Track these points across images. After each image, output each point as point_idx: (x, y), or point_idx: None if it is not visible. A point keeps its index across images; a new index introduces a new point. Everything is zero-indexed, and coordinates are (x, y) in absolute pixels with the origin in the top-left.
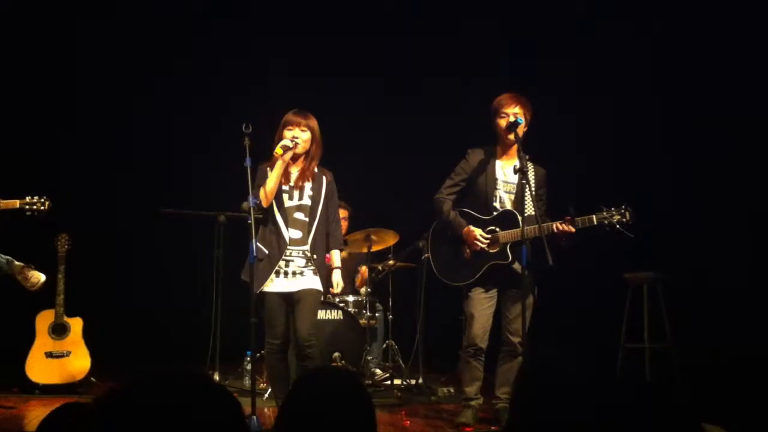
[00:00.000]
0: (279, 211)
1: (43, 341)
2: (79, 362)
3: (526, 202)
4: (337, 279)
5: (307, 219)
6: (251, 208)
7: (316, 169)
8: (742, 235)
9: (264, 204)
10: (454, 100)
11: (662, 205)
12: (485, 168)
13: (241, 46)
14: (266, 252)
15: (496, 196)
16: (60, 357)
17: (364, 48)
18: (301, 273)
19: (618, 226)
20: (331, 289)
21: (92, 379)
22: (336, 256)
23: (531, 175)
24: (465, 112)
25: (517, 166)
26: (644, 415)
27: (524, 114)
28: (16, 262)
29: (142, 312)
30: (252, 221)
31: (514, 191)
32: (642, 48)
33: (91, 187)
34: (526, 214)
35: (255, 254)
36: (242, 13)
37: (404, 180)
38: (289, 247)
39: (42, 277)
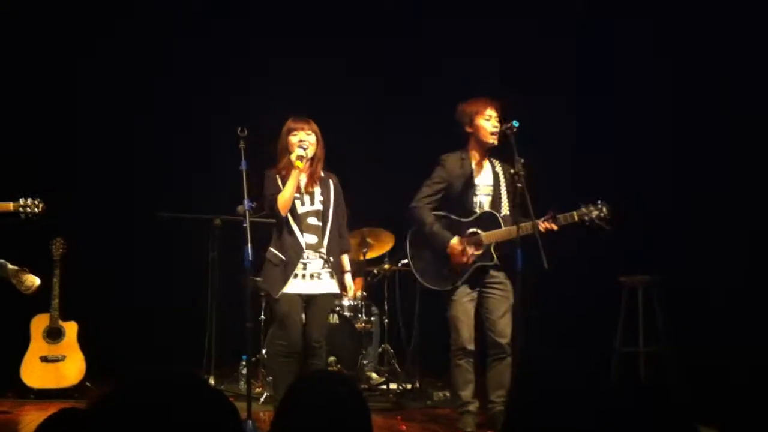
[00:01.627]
0: (293, 217)
1: (38, 345)
2: (74, 366)
3: (506, 202)
4: (349, 282)
5: (320, 223)
6: (246, 212)
7: (322, 173)
8: (738, 238)
9: (282, 213)
10: (453, 99)
11: (657, 207)
12: (462, 173)
13: (240, 46)
14: (282, 258)
15: (475, 201)
16: (55, 361)
17: (363, 48)
18: (319, 276)
19: (597, 221)
20: (344, 292)
21: (87, 383)
22: (345, 260)
23: (502, 174)
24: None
25: (512, 170)
26: (640, 418)
27: (498, 116)
28: (11, 266)
29: (137, 316)
30: (247, 225)
31: (491, 193)
32: (642, 47)
33: (86, 190)
34: (503, 215)
35: (251, 258)
36: (242, 13)
37: (400, 182)
38: (305, 252)
39: (37, 281)
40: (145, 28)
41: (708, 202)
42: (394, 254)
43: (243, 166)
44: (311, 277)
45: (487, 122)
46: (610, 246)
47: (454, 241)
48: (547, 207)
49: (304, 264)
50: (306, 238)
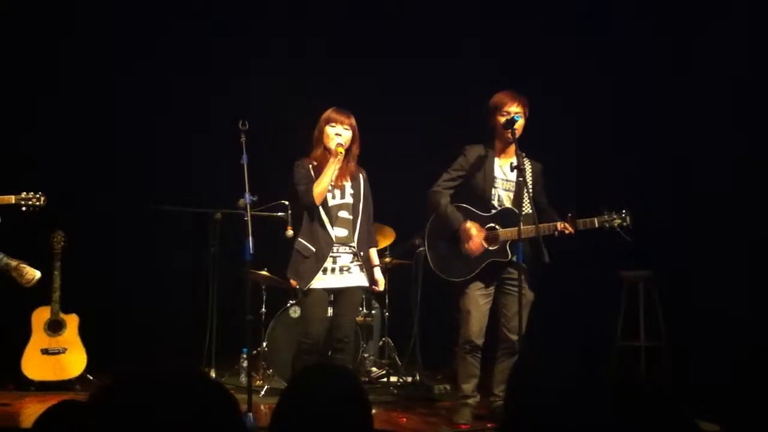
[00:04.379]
0: (323, 210)
1: (38, 338)
2: (75, 359)
3: (524, 201)
4: (379, 276)
5: (351, 217)
6: (247, 206)
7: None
8: (739, 234)
9: (317, 202)
10: (453, 96)
11: (659, 203)
12: (483, 165)
13: (240, 42)
14: (313, 250)
15: (494, 194)
16: (56, 354)
17: (364, 46)
18: (348, 269)
19: (618, 229)
20: (374, 287)
21: (88, 376)
22: (374, 254)
23: (528, 171)
24: (463, 108)
25: (515, 164)
26: (639, 412)
27: (523, 112)
28: (10, 259)
29: (138, 309)
30: (248, 218)
31: (513, 189)
32: (643, 46)
33: (87, 184)
34: (524, 213)
35: (252, 251)
36: (242, 13)
37: (401, 177)
38: (336, 245)
39: (37, 274)
40: (146, 23)
41: (709, 198)
42: (395, 248)
43: (244, 159)
44: (341, 271)
45: (502, 117)
46: (611, 241)
47: (468, 224)
48: (562, 209)
49: (334, 258)
50: (336, 231)
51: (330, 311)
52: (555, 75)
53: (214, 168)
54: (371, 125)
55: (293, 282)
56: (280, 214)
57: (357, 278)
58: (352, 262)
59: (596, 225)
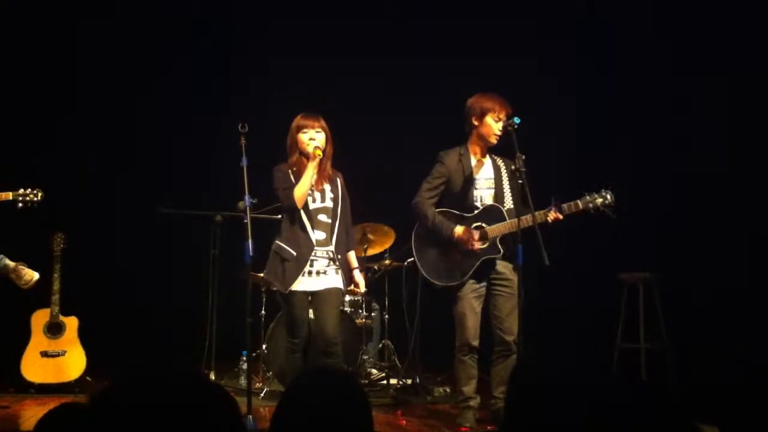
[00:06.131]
0: (305, 213)
1: (38, 340)
2: (74, 361)
3: (505, 197)
4: (358, 278)
5: (329, 220)
6: (247, 208)
7: (330, 171)
8: (739, 235)
9: (298, 205)
10: (454, 96)
11: (659, 205)
12: (462, 169)
13: (241, 45)
14: (294, 254)
15: (476, 196)
16: (55, 356)
17: (363, 47)
18: (325, 272)
19: (602, 208)
20: (355, 288)
21: (88, 378)
22: (353, 257)
23: (504, 169)
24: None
25: (513, 167)
26: (639, 414)
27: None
28: (9, 261)
29: (137, 311)
30: (248, 221)
31: (494, 187)
32: (642, 49)
33: (87, 186)
34: (506, 208)
35: (252, 254)
36: (242, 13)
37: (400, 177)
38: (315, 249)
39: (35, 275)
40: (145, 25)
41: (709, 200)
42: (394, 250)
43: (243, 162)
44: (317, 274)
45: (496, 123)
46: (610, 242)
47: (459, 229)
48: (549, 200)
49: (311, 261)
50: (316, 235)
51: (311, 314)
52: (555, 75)
53: (214, 170)
54: (372, 125)
55: (271, 284)
56: (279, 216)
57: (333, 280)
58: (328, 265)
59: (580, 207)
